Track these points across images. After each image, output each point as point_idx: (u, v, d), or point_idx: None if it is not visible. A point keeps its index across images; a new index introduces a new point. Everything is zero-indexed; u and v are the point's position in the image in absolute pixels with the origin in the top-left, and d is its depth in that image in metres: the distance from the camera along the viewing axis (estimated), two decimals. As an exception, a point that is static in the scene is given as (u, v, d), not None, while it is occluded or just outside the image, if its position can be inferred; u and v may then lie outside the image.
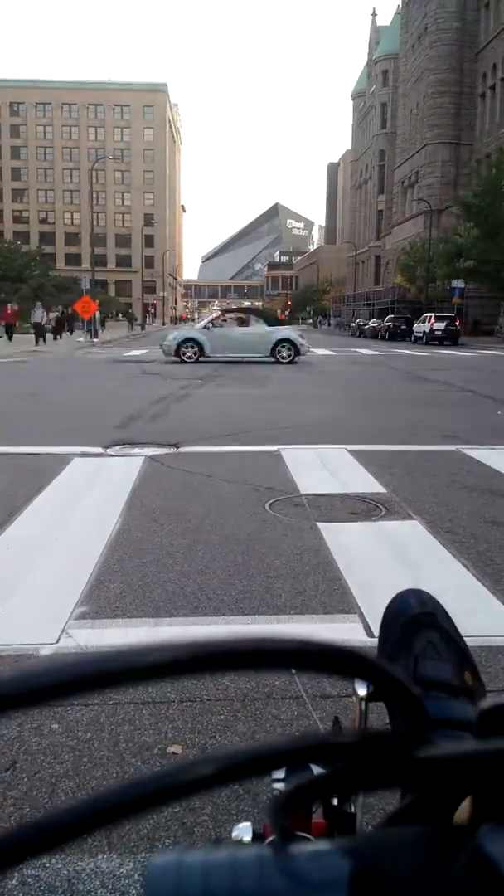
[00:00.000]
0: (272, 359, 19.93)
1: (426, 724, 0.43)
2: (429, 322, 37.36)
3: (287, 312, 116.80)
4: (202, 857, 0.32)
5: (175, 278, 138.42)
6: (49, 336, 32.30)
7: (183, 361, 19.37)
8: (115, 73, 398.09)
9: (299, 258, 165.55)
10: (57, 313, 36.76)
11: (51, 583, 3.44)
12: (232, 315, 22.73)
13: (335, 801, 0.67)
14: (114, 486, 5.40)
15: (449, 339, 35.80)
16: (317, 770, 0.41)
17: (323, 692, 2.49)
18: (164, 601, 3.26)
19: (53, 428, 8.20)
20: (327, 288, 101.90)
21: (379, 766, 0.33)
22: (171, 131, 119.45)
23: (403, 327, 42.58)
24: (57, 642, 2.82)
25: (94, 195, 73.82)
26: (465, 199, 38.34)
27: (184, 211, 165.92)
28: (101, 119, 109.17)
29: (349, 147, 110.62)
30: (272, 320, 22.09)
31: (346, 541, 4.13)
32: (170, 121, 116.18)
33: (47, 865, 1.68)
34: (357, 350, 30.13)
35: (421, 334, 37.92)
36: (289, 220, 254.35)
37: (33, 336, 29.68)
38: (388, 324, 45.09)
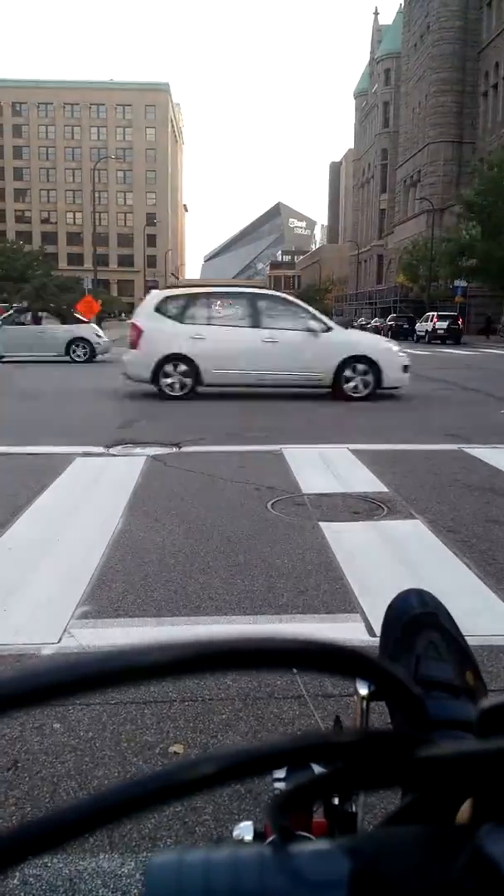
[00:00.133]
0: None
1: (427, 723, 0.43)
2: (431, 321, 37.35)
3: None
4: (203, 856, 0.32)
5: (177, 278, 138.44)
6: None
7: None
8: (117, 73, 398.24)
9: (301, 257, 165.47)
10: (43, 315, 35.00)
11: (53, 582, 3.44)
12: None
13: (336, 801, 0.67)
14: (116, 485, 5.40)
15: (451, 337, 35.79)
16: (318, 769, 0.41)
17: (324, 691, 2.49)
18: (165, 601, 3.26)
19: (55, 428, 8.21)
20: (329, 287, 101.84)
21: (380, 766, 0.33)
22: (174, 131, 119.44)
23: (406, 326, 42.58)
24: (59, 642, 2.82)
25: (97, 195, 73.87)
26: (468, 197, 38.31)
27: (186, 210, 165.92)
28: (104, 119, 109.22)
29: (351, 146, 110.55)
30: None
31: (347, 540, 4.13)
32: (172, 120, 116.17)
33: (49, 865, 1.68)
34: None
35: (423, 333, 37.93)
36: (291, 220, 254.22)
37: None
38: (390, 323, 45.07)
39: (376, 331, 47.20)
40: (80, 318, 21.91)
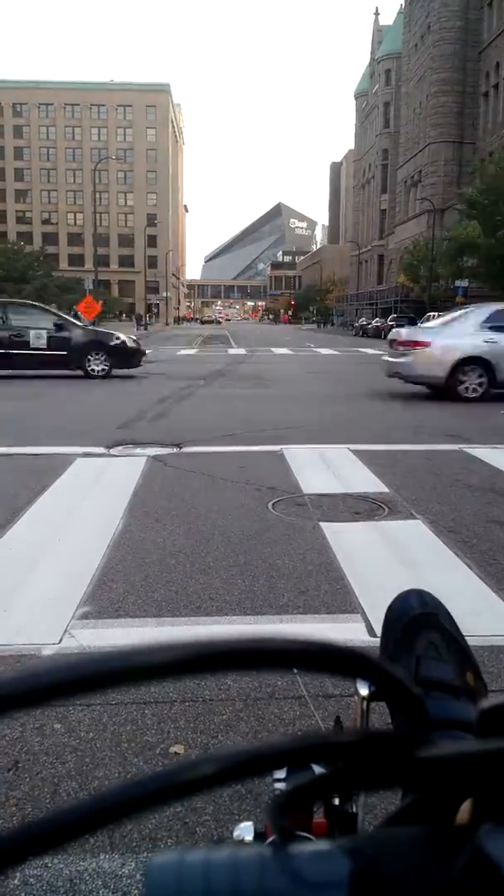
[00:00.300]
0: None
1: (427, 724, 0.43)
2: (432, 321, 37.33)
3: (290, 312, 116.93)
4: (203, 857, 0.32)
5: (178, 278, 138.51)
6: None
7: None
8: (118, 74, 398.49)
9: (302, 258, 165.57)
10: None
11: (53, 583, 3.44)
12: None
13: (336, 801, 0.67)
14: (116, 486, 5.41)
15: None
16: (318, 770, 0.41)
17: (325, 692, 2.49)
18: (166, 601, 3.26)
19: (56, 428, 8.21)
20: (330, 288, 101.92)
21: (380, 766, 0.33)
22: (174, 131, 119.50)
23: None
24: (59, 642, 2.82)
25: (97, 195, 73.89)
26: (470, 196, 38.28)
27: (187, 211, 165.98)
28: (104, 119, 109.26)
29: (352, 146, 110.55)
30: None
31: (348, 540, 4.13)
32: (173, 121, 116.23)
33: (49, 865, 1.68)
34: (360, 349, 30.12)
35: (424, 334, 37.87)
36: (292, 220, 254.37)
37: None
38: (391, 323, 45.05)
39: (378, 331, 47.34)
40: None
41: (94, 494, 5.16)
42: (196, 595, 3.32)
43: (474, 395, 11.21)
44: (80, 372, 14.61)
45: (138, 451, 6.78)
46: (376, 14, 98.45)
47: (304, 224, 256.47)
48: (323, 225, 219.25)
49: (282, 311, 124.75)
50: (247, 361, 21.32)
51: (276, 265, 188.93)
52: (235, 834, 0.67)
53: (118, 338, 15.08)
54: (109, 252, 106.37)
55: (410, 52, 71.12)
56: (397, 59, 78.54)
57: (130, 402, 10.70)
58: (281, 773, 0.62)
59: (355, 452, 6.65)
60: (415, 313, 45.13)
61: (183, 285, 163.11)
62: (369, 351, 28.96)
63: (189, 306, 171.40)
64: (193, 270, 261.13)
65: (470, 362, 11.18)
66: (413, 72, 69.93)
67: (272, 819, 0.35)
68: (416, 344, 11.48)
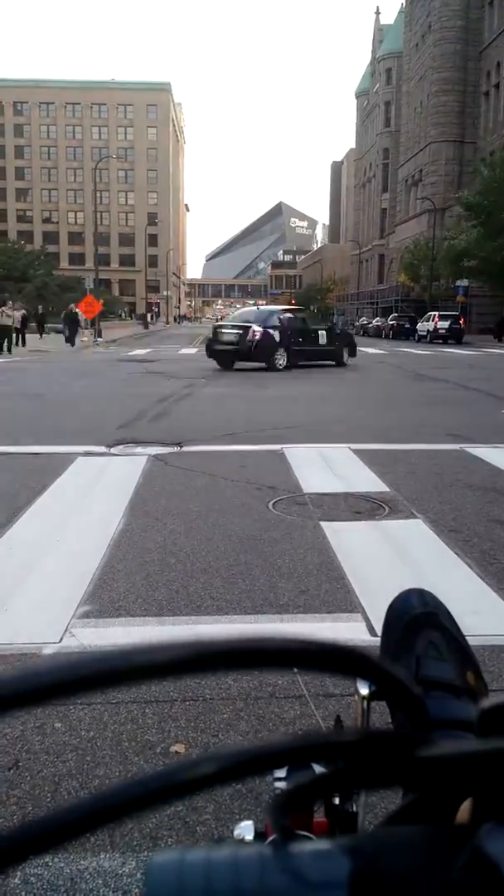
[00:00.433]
0: None
1: (428, 723, 0.43)
2: (433, 321, 37.30)
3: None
4: (203, 856, 0.32)
5: (179, 277, 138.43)
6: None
7: None
8: (119, 73, 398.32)
9: (303, 257, 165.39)
10: (21, 311, 29.78)
11: (54, 582, 3.44)
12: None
13: (337, 800, 0.67)
14: (117, 485, 5.41)
15: (453, 337, 35.75)
16: (318, 769, 0.41)
17: (325, 691, 2.49)
18: (167, 600, 3.26)
19: (57, 427, 8.21)
20: (331, 287, 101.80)
21: (380, 766, 0.33)
22: (175, 130, 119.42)
23: (407, 326, 42.50)
24: (60, 641, 2.82)
25: (98, 194, 73.79)
26: (467, 199, 38.24)
27: (187, 210, 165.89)
28: (105, 118, 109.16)
29: (353, 146, 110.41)
30: None
31: (349, 540, 4.13)
32: (173, 120, 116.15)
33: (50, 864, 1.69)
34: (361, 349, 30.06)
35: (425, 333, 37.86)
36: (292, 219, 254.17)
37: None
38: (391, 322, 45.00)
39: (378, 330, 47.26)
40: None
41: (94, 494, 5.16)
42: (196, 594, 3.33)
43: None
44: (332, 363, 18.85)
45: (139, 450, 6.78)
46: (377, 13, 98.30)
47: (305, 223, 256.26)
48: (324, 224, 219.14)
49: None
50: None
51: (276, 264, 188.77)
52: (236, 833, 0.67)
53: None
54: (110, 251, 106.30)
55: (411, 51, 71.03)
56: (398, 59, 78.41)
57: (132, 401, 10.69)
58: (281, 773, 0.62)
59: (356, 452, 6.65)
60: (415, 312, 45.05)
61: (184, 284, 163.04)
62: (370, 350, 28.92)
63: (190, 305, 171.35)
64: (194, 269, 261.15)
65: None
66: (414, 71, 69.83)
67: (273, 818, 0.35)
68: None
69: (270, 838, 0.41)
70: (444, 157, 61.08)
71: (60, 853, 1.71)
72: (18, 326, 28.21)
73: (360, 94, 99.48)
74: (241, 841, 0.66)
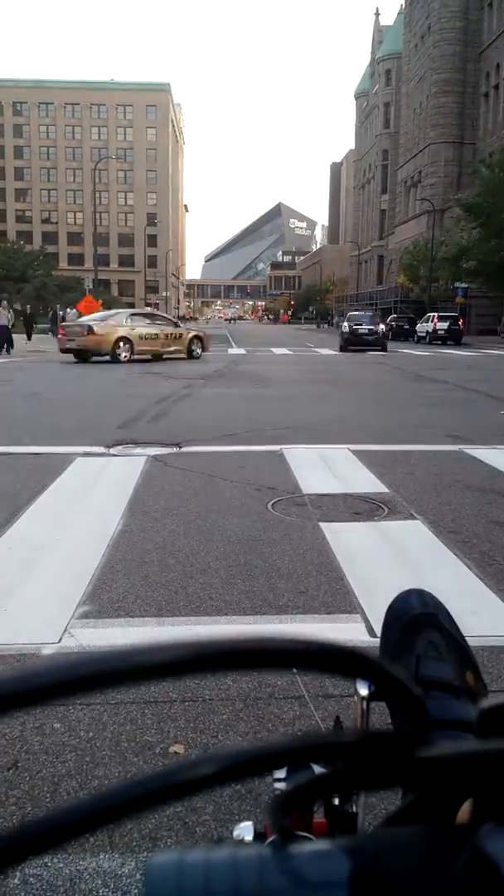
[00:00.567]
0: None
1: (427, 724, 0.43)
2: (432, 322, 37.30)
3: (290, 312, 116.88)
4: (203, 857, 0.32)
5: (178, 278, 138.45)
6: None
7: None
8: (118, 73, 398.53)
9: (302, 258, 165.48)
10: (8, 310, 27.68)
11: (53, 582, 3.44)
12: None
13: (336, 801, 0.67)
14: (116, 485, 5.40)
15: (452, 338, 35.76)
16: (318, 769, 0.41)
17: (325, 692, 2.49)
18: (166, 601, 3.26)
19: (56, 428, 8.21)
20: (330, 288, 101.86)
21: (380, 766, 0.33)
22: (174, 131, 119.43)
23: (406, 327, 42.50)
24: (59, 642, 2.82)
25: (97, 195, 73.79)
26: (467, 201, 38.25)
27: (187, 210, 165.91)
28: (104, 119, 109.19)
29: (352, 147, 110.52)
30: None
31: (348, 540, 4.13)
32: (173, 120, 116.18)
33: (49, 864, 1.68)
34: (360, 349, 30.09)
35: (424, 334, 37.87)
36: (291, 220, 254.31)
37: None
38: (391, 323, 44.99)
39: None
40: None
41: (93, 494, 5.16)
42: (196, 595, 3.32)
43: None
44: None
45: (138, 450, 6.78)
46: (377, 14, 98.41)
47: (304, 224, 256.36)
48: (323, 225, 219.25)
49: (281, 311, 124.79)
50: (246, 361, 21.32)
51: (275, 265, 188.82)
52: (235, 834, 0.67)
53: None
54: (109, 251, 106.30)
55: (411, 52, 71.10)
56: (398, 60, 78.49)
57: (131, 401, 10.70)
58: (281, 773, 0.62)
59: (355, 452, 6.65)
60: (414, 314, 45.06)
61: (183, 285, 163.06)
62: (369, 351, 28.95)
63: (189, 306, 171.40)
64: (193, 270, 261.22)
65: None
66: (413, 72, 69.90)
67: (272, 819, 0.35)
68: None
69: (270, 839, 0.41)
70: (443, 158, 61.15)
71: (60, 854, 1.71)
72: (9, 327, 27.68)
73: (360, 96, 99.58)
74: (241, 842, 0.65)
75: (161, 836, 1.81)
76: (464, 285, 41.32)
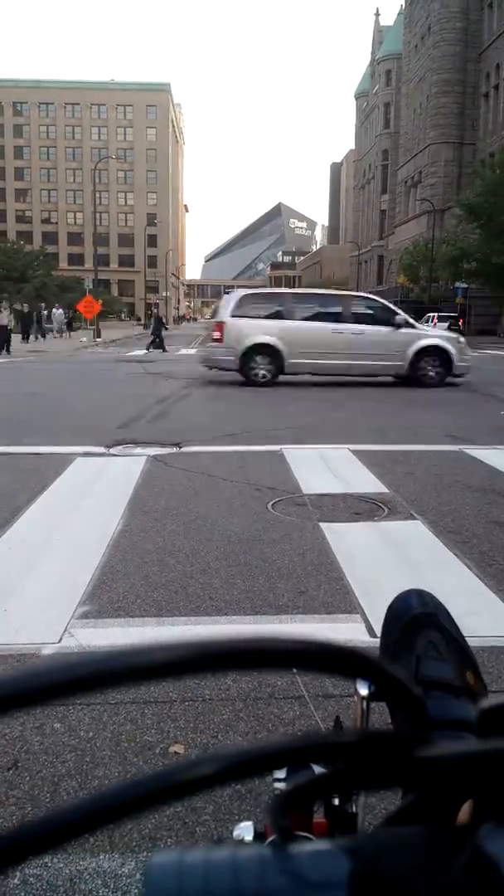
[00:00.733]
0: None
1: (427, 724, 0.43)
2: (432, 322, 37.34)
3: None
4: (202, 857, 0.32)
5: (178, 278, 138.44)
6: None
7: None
8: (118, 73, 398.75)
9: (302, 258, 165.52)
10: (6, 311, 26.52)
11: (53, 582, 3.44)
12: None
13: (336, 801, 0.67)
14: (116, 485, 5.40)
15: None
16: (318, 770, 0.41)
17: (325, 692, 2.49)
18: (166, 601, 3.26)
19: (56, 428, 8.21)
20: (330, 287, 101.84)
21: (380, 766, 0.33)
22: (174, 131, 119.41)
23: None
24: (59, 642, 2.82)
25: (97, 195, 73.70)
26: (468, 201, 38.26)
27: (187, 211, 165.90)
28: (104, 119, 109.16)
29: (352, 147, 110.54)
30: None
31: (348, 541, 4.13)
32: (173, 121, 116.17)
33: (49, 864, 1.68)
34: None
35: (424, 334, 37.90)
36: (291, 220, 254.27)
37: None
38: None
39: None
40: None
41: (93, 494, 5.16)
42: (196, 595, 3.32)
43: None
44: None
45: (138, 450, 6.78)
46: (377, 15, 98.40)
47: (304, 224, 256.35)
48: (323, 225, 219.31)
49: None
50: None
51: (275, 265, 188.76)
52: (235, 834, 0.67)
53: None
54: (109, 251, 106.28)
55: (411, 52, 71.10)
56: (398, 60, 78.49)
57: (131, 401, 10.70)
58: (281, 773, 0.62)
59: (355, 452, 6.65)
60: (415, 314, 45.03)
61: (183, 285, 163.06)
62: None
63: (189, 306, 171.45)
64: (193, 270, 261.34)
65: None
66: (413, 72, 69.91)
67: (272, 819, 0.35)
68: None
69: (270, 839, 0.41)
70: (443, 158, 61.15)
71: (59, 854, 1.71)
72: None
73: (360, 96, 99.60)
74: (241, 842, 0.65)
75: (161, 836, 1.81)
76: (464, 285, 41.34)
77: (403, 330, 13.11)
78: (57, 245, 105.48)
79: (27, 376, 15.69)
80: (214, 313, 14.21)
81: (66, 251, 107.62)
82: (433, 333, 13.83)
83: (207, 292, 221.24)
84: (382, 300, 14.16)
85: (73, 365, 19.15)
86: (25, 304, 35.00)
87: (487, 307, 44.79)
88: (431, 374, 13.10)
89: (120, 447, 6.93)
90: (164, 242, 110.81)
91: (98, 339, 33.42)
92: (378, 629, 0.99)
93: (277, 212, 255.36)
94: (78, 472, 5.82)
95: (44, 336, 33.19)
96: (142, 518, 4.55)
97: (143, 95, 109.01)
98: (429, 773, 0.33)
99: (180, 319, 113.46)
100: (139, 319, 64.55)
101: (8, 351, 23.23)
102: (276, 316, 13.06)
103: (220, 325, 12.99)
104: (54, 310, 36.77)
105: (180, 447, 6.93)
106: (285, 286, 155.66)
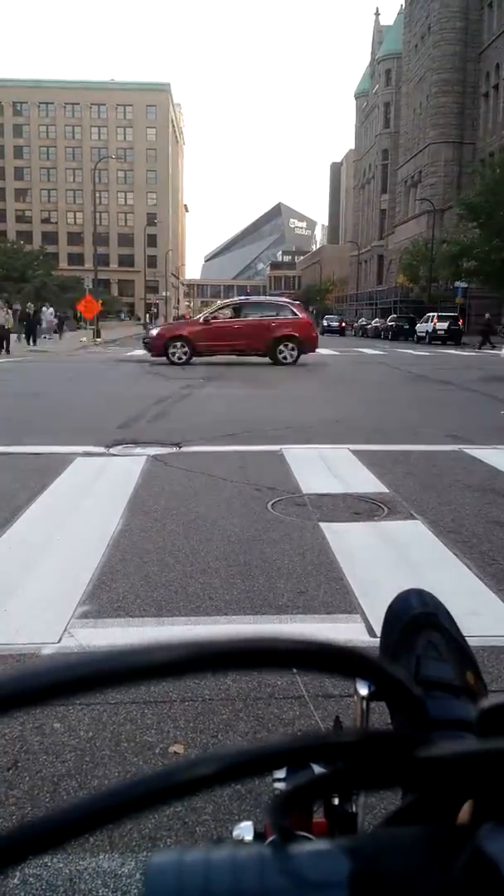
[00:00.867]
0: None
1: (427, 723, 0.43)
2: (432, 322, 37.34)
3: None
4: (202, 856, 0.32)
5: (177, 278, 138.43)
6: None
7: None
8: (118, 73, 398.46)
9: (302, 258, 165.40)
10: (5, 310, 25.81)
11: (53, 582, 3.44)
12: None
13: (336, 801, 0.67)
14: (116, 485, 5.40)
15: (452, 338, 35.78)
16: (318, 769, 0.41)
17: (325, 692, 2.49)
18: (166, 601, 3.26)
19: (56, 427, 8.21)
20: (330, 287, 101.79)
21: (379, 766, 0.33)
22: (174, 131, 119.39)
23: (406, 327, 42.53)
24: (59, 642, 2.82)
25: (97, 195, 73.73)
26: (468, 200, 38.24)
27: (186, 210, 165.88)
28: (104, 119, 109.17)
29: (352, 146, 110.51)
30: None
31: (348, 541, 4.13)
32: (173, 120, 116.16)
33: (49, 864, 1.68)
34: (360, 350, 30.11)
35: (424, 334, 37.91)
36: (291, 220, 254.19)
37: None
38: (390, 323, 44.99)
39: (377, 331, 47.22)
40: None
41: (93, 494, 5.16)
42: (195, 595, 3.32)
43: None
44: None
45: (138, 450, 6.78)
46: (377, 14, 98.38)
47: (304, 224, 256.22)
48: (323, 225, 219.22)
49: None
50: (246, 362, 21.28)
51: (275, 265, 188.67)
52: (235, 834, 0.67)
53: None
54: (109, 251, 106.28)
55: (411, 52, 71.10)
56: (397, 60, 78.48)
57: (131, 401, 10.70)
58: (281, 773, 0.62)
59: (355, 452, 6.65)
60: (414, 313, 45.06)
61: (182, 285, 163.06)
62: (368, 351, 28.97)
63: (189, 306, 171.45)
64: (193, 270, 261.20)
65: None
66: (413, 72, 69.91)
67: (272, 819, 0.35)
68: None
69: (270, 839, 0.41)
70: (443, 158, 61.17)
71: (59, 854, 1.71)
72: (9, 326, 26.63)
73: (360, 96, 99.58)
74: (241, 841, 0.65)
75: (161, 836, 1.81)
76: (463, 285, 41.34)
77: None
78: (57, 245, 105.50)
79: (27, 376, 15.69)
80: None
81: (65, 251, 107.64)
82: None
83: (207, 292, 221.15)
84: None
85: (72, 365, 19.14)
86: (30, 305, 33.21)
87: (488, 307, 44.77)
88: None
89: (120, 447, 6.93)
90: (163, 242, 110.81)
91: (98, 339, 33.42)
92: (378, 629, 0.99)
93: (277, 212, 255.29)
94: (78, 472, 5.82)
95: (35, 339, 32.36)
96: (142, 518, 4.55)
97: (142, 95, 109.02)
98: (429, 773, 0.33)
99: (179, 319, 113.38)
100: (139, 319, 64.59)
101: (7, 351, 23.22)
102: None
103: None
104: (44, 309, 34.94)
105: (180, 447, 6.93)
106: (285, 286, 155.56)
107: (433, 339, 36.26)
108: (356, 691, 0.68)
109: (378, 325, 48.56)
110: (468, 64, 58.40)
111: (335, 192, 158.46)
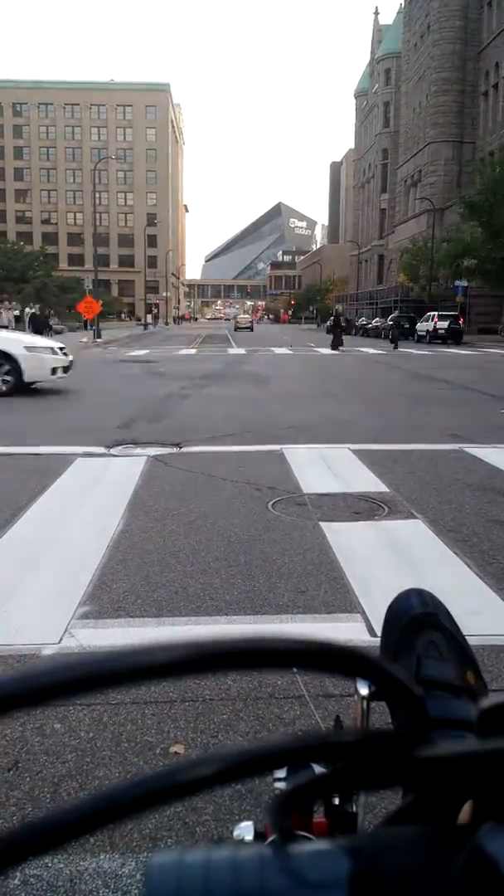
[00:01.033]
0: None
1: (428, 723, 0.43)
2: (432, 321, 37.31)
3: (290, 312, 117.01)
4: (203, 857, 0.32)
5: (178, 278, 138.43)
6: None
7: None
8: (118, 74, 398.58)
9: (302, 257, 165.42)
10: (11, 310, 24.96)
11: (53, 582, 3.44)
12: None
13: (336, 801, 0.67)
14: (116, 485, 5.40)
15: (452, 337, 35.75)
16: (318, 769, 0.41)
17: (325, 691, 2.49)
18: (166, 601, 3.26)
19: (56, 428, 8.21)
20: (330, 287, 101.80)
21: (380, 766, 0.33)
22: (174, 131, 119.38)
23: (407, 326, 42.49)
24: (59, 642, 2.82)
25: (97, 195, 73.69)
26: (470, 199, 38.24)
27: (186, 211, 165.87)
28: (104, 119, 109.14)
29: (352, 146, 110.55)
30: None
31: (348, 540, 4.13)
32: (172, 121, 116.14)
33: (49, 865, 1.69)
34: (360, 349, 30.11)
35: (424, 333, 37.88)
36: (291, 220, 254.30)
37: None
38: (391, 322, 44.95)
39: (377, 331, 47.18)
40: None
41: (94, 494, 5.16)
42: (196, 595, 3.32)
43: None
44: None
45: (138, 450, 6.78)
46: (376, 13, 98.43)
47: (304, 224, 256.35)
48: (323, 224, 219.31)
49: (282, 310, 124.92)
50: (247, 361, 21.31)
51: (275, 265, 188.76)
52: (235, 833, 0.67)
53: None
54: (109, 252, 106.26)
55: (410, 51, 71.09)
56: (397, 59, 78.48)
57: (131, 401, 10.70)
58: (281, 773, 0.62)
59: (355, 452, 6.65)
60: (415, 313, 45.04)
61: (183, 285, 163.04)
62: (369, 350, 28.97)
63: (189, 306, 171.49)
64: (193, 270, 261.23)
65: None
66: (413, 71, 69.92)
67: (272, 819, 0.35)
68: None
69: (270, 839, 0.41)
70: (443, 157, 61.16)
71: (60, 854, 1.71)
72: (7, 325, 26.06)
73: (359, 95, 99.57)
74: (241, 841, 0.66)
75: (161, 836, 1.81)
76: (464, 284, 41.31)
77: None
78: (57, 245, 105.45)
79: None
80: None
81: (65, 252, 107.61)
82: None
83: (207, 292, 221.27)
84: None
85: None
86: (37, 306, 31.72)
87: (488, 305, 44.77)
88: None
89: (120, 447, 6.93)
90: (164, 242, 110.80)
91: (98, 340, 33.43)
92: (378, 628, 0.99)
93: (277, 211, 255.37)
94: (78, 473, 5.82)
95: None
96: (142, 518, 4.55)
97: (142, 95, 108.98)
98: (429, 772, 0.33)
99: (179, 320, 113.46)
100: (139, 320, 64.66)
101: None
102: None
103: None
104: (27, 309, 33.87)
105: (180, 447, 6.93)
106: (285, 286, 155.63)
107: (433, 338, 36.23)
108: (356, 691, 0.68)
109: (378, 324, 48.50)
110: (468, 63, 58.40)
111: (335, 191, 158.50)
